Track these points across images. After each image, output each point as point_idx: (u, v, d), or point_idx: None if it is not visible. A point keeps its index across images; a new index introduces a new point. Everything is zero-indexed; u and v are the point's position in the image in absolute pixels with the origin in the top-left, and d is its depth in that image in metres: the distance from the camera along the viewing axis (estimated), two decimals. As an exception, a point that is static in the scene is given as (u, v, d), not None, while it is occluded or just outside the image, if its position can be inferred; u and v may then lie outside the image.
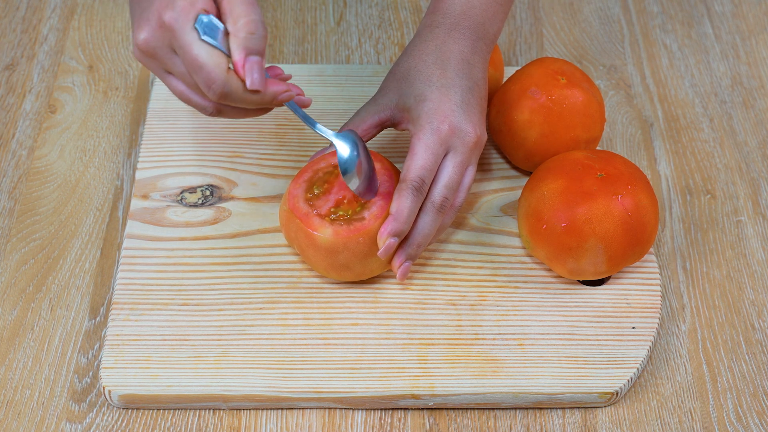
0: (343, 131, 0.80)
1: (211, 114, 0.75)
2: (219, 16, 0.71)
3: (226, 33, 0.71)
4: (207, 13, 0.71)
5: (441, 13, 0.85)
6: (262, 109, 0.76)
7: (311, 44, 1.07)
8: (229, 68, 0.71)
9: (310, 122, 0.78)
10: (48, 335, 0.84)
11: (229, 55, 0.71)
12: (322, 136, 0.79)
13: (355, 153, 0.78)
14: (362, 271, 0.81)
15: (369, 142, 0.89)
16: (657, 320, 0.83)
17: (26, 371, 0.82)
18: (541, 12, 1.12)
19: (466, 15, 0.84)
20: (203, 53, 0.70)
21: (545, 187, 0.82)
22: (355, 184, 0.78)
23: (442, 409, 0.80)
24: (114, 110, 1.00)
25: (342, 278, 0.82)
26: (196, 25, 0.70)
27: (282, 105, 0.75)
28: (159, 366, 0.79)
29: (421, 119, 0.80)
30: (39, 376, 0.81)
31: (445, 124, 0.79)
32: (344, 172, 0.78)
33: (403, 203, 0.78)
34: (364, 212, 0.80)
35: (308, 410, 0.80)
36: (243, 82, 0.71)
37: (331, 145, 0.82)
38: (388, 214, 0.79)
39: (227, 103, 0.73)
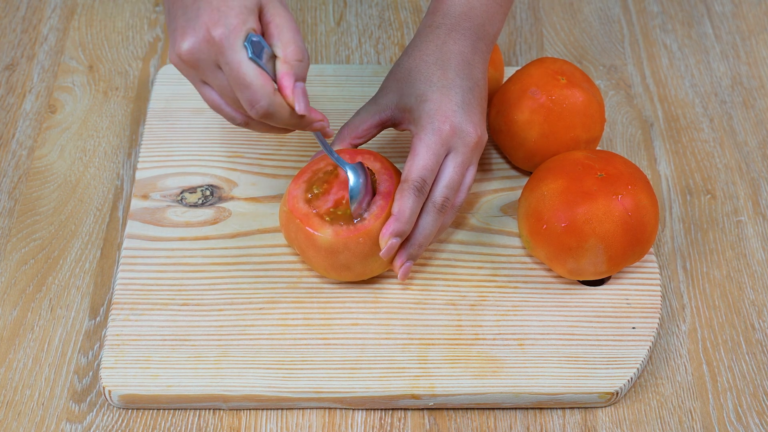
0: (353, 163, 0.81)
1: (239, 125, 0.77)
2: (263, 37, 0.73)
3: (272, 56, 0.73)
4: (256, 32, 0.72)
5: (441, 13, 0.85)
6: (286, 129, 0.78)
7: (311, 44, 1.07)
8: (274, 89, 0.73)
9: (329, 150, 0.81)
10: (48, 335, 0.84)
11: (272, 77, 0.73)
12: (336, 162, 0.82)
13: (362, 181, 0.80)
14: (362, 271, 0.81)
15: (368, 142, 0.89)
16: (657, 320, 0.83)
17: (26, 371, 0.82)
18: (541, 12, 1.12)
19: (467, 16, 0.84)
20: (251, 73, 0.71)
21: (545, 187, 0.82)
22: (355, 206, 0.80)
23: (442, 409, 0.80)
24: (114, 110, 1.00)
25: (342, 278, 0.82)
26: (246, 43, 0.71)
27: (307, 130, 0.78)
28: (159, 366, 0.79)
29: (423, 119, 0.80)
30: (39, 376, 0.81)
31: (446, 125, 0.79)
32: (352, 198, 0.79)
33: (405, 204, 0.78)
34: (364, 212, 0.80)
35: (308, 410, 0.80)
36: (288, 105, 0.74)
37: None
38: (388, 214, 0.79)
39: (265, 122, 0.75)
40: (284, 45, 0.73)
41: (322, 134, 0.79)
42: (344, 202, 0.81)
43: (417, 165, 0.79)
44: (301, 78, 0.74)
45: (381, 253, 0.79)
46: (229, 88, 0.73)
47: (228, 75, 0.72)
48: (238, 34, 0.71)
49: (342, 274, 0.81)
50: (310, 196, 0.81)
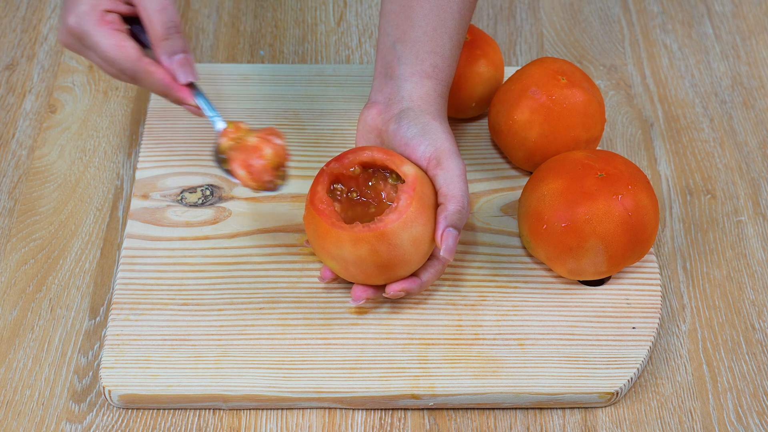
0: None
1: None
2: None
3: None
4: (110, 12, 0.79)
5: (411, 101, 0.84)
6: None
7: (311, 44, 1.07)
8: (138, 56, 0.80)
9: (206, 105, 0.83)
10: (48, 335, 0.84)
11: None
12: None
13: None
14: (405, 271, 0.79)
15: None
16: (657, 320, 0.83)
17: (26, 371, 0.82)
18: (541, 12, 1.12)
19: (429, 96, 0.84)
20: (112, 51, 0.79)
21: (545, 187, 0.82)
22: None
23: (442, 409, 0.80)
24: (114, 110, 1.00)
25: (377, 280, 0.80)
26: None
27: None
28: (159, 366, 0.79)
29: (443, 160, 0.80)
30: (39, 376, 0.81)
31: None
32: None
33: (454, 245, 0.78)
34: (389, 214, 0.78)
35: (308, 410, 0.80)
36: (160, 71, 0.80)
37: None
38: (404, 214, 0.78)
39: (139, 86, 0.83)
40: (151, 25, 0.79)
41: (194, 112, 0.83)
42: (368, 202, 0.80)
43: (460, 205, 0.79)
44: (178, 51, 0.80)
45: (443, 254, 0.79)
46: (103, 61, 0.81)
47: (96, 54, 0.80)
48: (89, 19, 0.78)
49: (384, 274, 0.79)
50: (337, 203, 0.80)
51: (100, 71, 1.03)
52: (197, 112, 0.82)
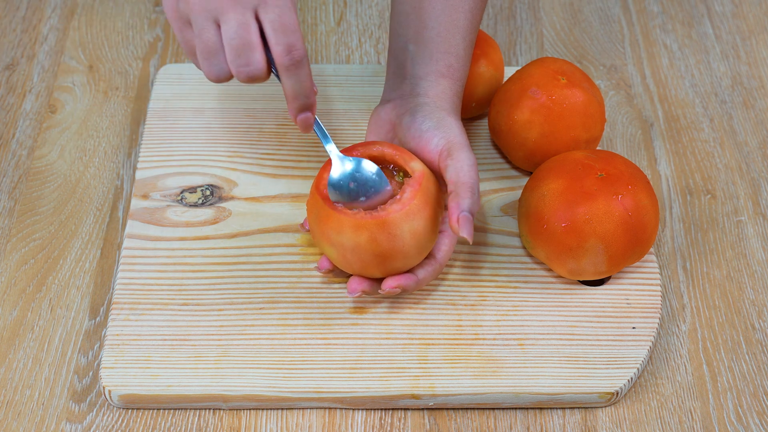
0: (354, 156, 0.80)
1: (216, 78, 0.74)
2: None
3: None
4: None
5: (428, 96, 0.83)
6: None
7: (311, 44, 1.07)
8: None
9: (326, 138, 0.80)
10: (48, 335, 0.84)
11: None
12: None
13: (346, 180, 0.79)
14: (404, 264, 0.79)
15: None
16: (657, 320, 0.83)
17: (26, 371, 0.82)
18: (541, 12, 1.12)
19: (446, 94, 0.83)
20: (296, 19, 0.70)
21: (545, 187, 0.82)
22: (335, 197, 0.79)
23: (442, 409, 0.80)
24: (114, 110, 1.00)
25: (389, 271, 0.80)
26: None
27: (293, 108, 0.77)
28: (159, 366, 0.79)
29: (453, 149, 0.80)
30: (39, 376, 0.81)
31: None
32: (331, 187, 0.79)
33: (471, 230, 0.77)
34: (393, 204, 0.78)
35: (308, 410, 0.80)
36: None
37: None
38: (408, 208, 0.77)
39: (289, 76, 0.73)
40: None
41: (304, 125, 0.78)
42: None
43: (471, 191, 0.78)
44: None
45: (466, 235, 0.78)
46: (250, 30, 0.71)
47: (275, 15, 0.70)
48: None
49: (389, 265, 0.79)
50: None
51: (100, 71, 1.03)
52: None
